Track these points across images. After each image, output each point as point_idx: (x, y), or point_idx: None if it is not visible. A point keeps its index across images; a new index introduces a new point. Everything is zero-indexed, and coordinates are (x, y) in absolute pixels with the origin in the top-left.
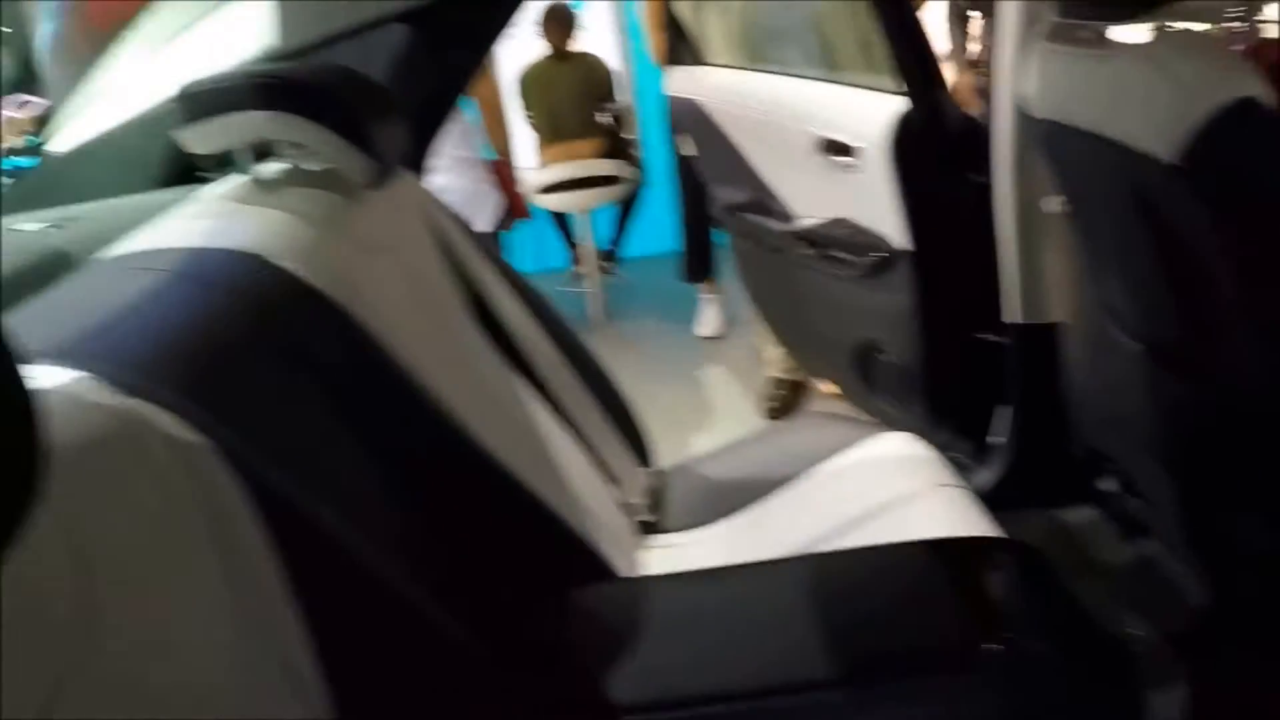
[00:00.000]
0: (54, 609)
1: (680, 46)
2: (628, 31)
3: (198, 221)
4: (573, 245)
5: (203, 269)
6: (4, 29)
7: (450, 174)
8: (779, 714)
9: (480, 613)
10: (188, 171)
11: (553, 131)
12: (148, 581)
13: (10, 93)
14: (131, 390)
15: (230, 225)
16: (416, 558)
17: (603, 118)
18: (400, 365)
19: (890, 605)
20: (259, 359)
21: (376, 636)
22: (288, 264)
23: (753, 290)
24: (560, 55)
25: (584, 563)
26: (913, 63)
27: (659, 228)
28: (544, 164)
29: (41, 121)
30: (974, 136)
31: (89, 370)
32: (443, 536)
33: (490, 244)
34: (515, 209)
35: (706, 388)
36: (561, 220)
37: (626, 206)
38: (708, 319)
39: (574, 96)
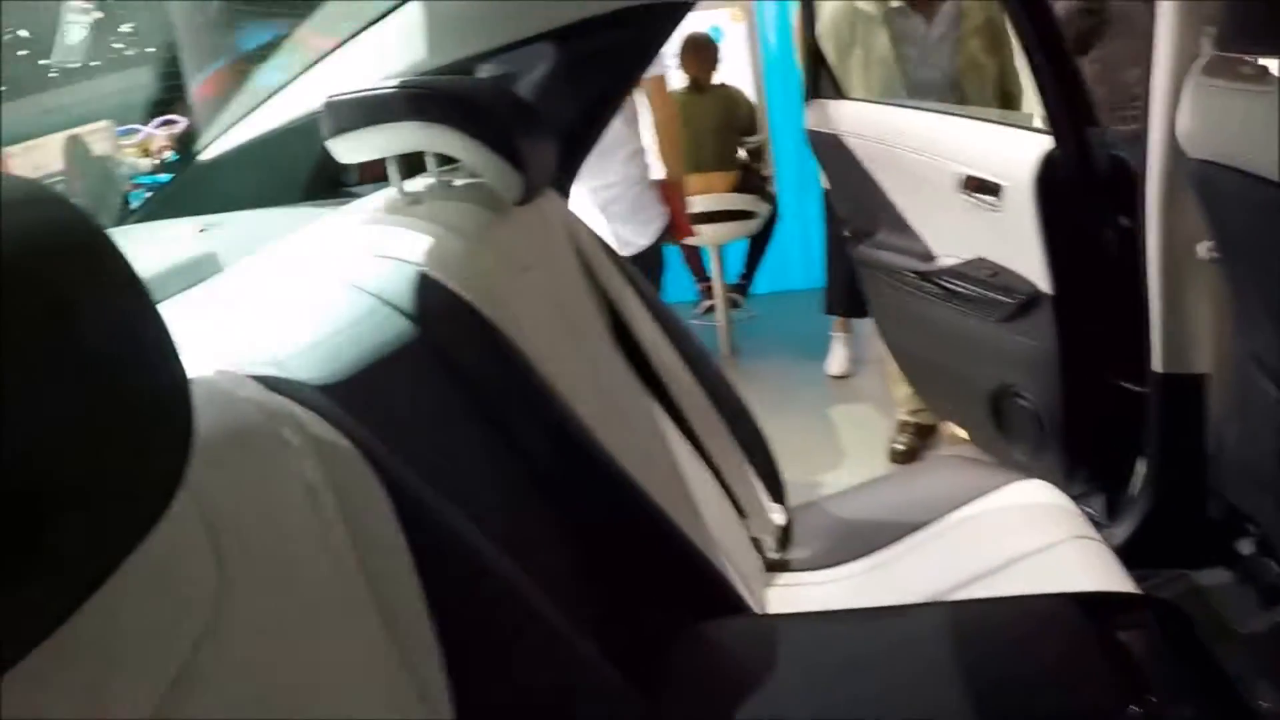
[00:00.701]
0: (188, 585)
1: (822, 80)
2: (763, 63)
3: (350, 231)
4: (703, 278)
5: (356, 277)
6: (149, 49)
7: (618, 188)
8: None
9: (618, 640)
10: (330, 183)
11: (689, 163)
12: (277, 576)
13: (156, 113)
14: (280, 389)
15: (383, 236)
16: (556, 580)
17: (740, 151)
18: (546, 385)
19: (1031, 660)
20: (410, 369)
21: (511, 655)
22: (440, 276)
23: (885, 327)
24: (699, 87)
25: (718, 596)
26: (1061, 100)
27: (788, 264)
28: None
29: (184, 140)
30: (1123, 177)
31: (238, 365)
32: (584, 560)
33: (650, 259)
34: (679, 229)
35: (833, 426)
36: (692, 253)
37: (758, 241)
38: (836, 358)
39: (714, 129)
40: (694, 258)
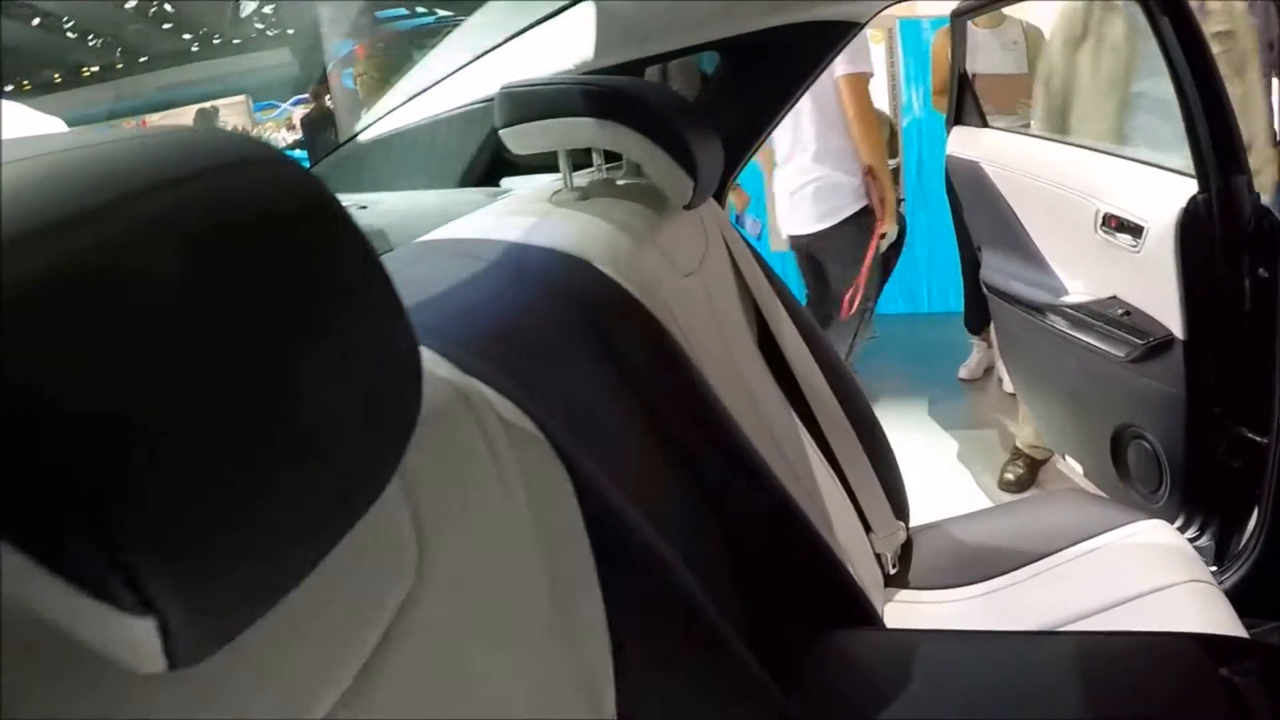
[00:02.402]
0: (394, 554)
1: (967, 107)
2: (901, 86)
3: (516, 218)
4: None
5: (525, 263)
6: (289, 30)
7: (821, 165)
8: None
9: (763, 645)
10: (487, 173)
11: None
12: (471, 549)
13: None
14: (469, 369)
15: (551, 226)
16: (717, 582)
17: None
18: (707, 387)
19: (1149, 695)
20: (579, 357)
21: (676, 654)
22: (608, 270)
23: (1009, 357)
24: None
25: (852, 607)
26: (1210, 143)
27: (914, 287)
28: None
29: (317, 119)
30: (1267, 227)
31: (426, 345)
32: (738, 563)
33: (844, 235)
34: (883, 214)
35: (950, 448)
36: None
37: (886, 262)
38: (971, 363)
39: None
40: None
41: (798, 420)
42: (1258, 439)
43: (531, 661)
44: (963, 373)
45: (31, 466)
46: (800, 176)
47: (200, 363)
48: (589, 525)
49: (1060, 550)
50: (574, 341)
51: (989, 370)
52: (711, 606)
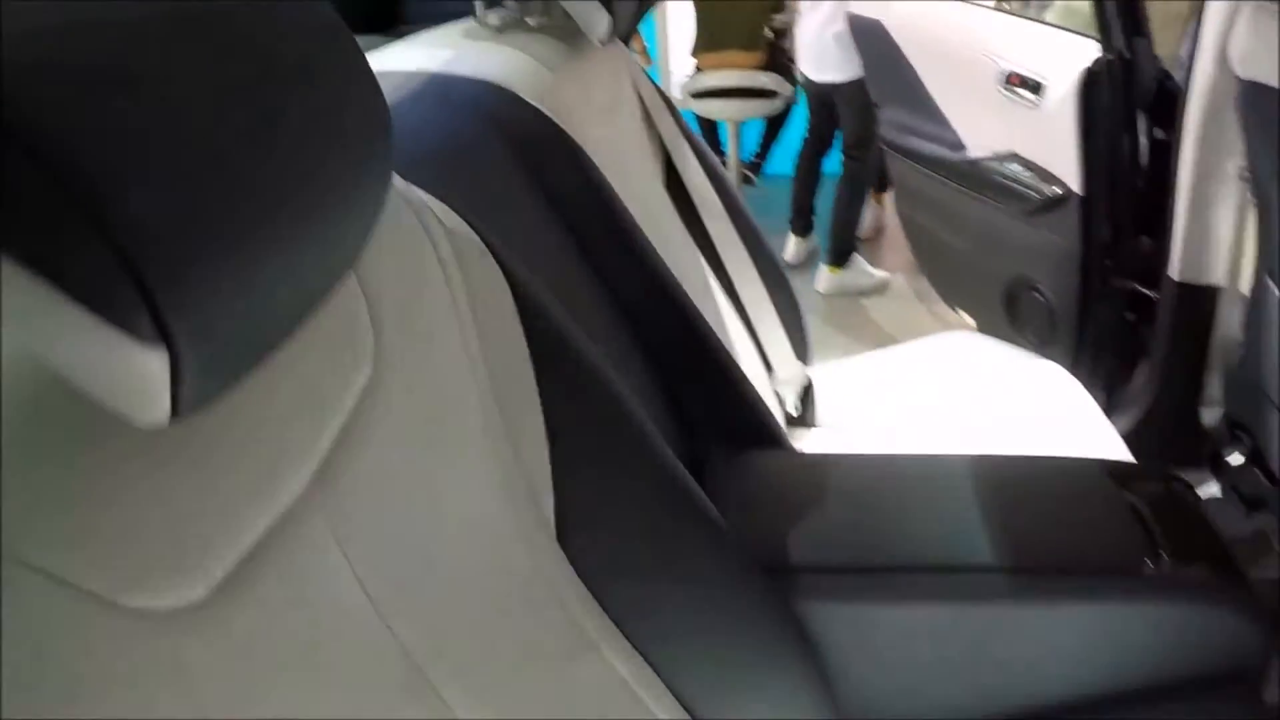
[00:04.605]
0: (355, 345)
1: None
2: None
3: (434, 50)
4: (718, 153)
5: (450, 92)
6: None
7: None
8: (947, 588)
9: (686, 461)
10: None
11: (715, 38)
12: (421, 347)
13: None
14: (410, 181)
15: (473, 57)
16: (637, 394)
17: (768, 30)
18: (625, 211)
19: (1058, 511)
20: (511, 184)
21: (610, 453)
22: (532, 99)
23: (905, 214)
24: None
25: (766, 431)
26: (1114, 6)
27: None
28: (701, 69)
29: None
30: (1165, 90)
31: None
32: (659, 382)
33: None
34: None
35: (843, 304)
36: (710, 127)
37: (775, 122)
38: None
39: (744, 5)
40: (711, 132)
41: (704, 261)
42: (1149, 293)
43: (480, 462)
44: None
45: (27, 158)
46: (826, 23)
47: (188, 72)
48: (526, 331)
49: (959, 386)
50: (504, 168)
51: (880, 230)
52: (640, 411)
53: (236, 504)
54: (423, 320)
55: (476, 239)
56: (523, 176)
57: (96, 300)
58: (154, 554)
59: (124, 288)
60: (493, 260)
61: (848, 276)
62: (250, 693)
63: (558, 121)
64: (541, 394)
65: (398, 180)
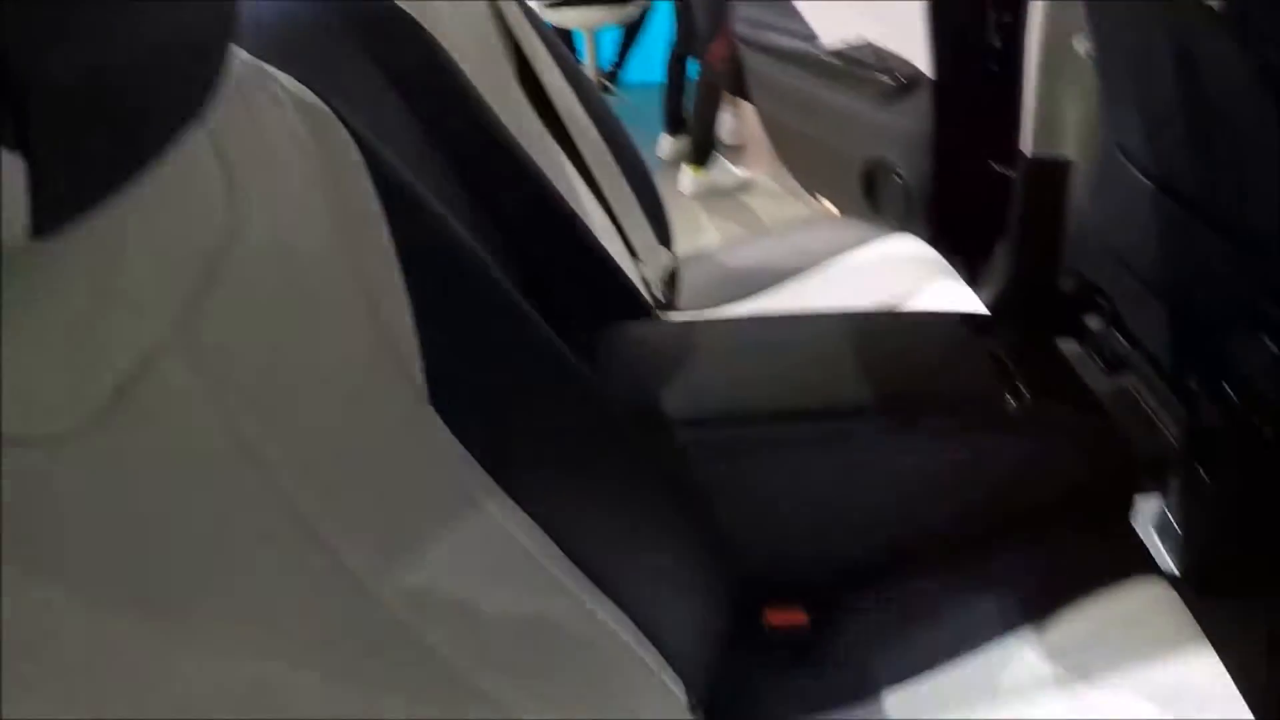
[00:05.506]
0: (203, 204)
1: None
2: None
3: None
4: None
5: None
6: None
7: None
8: (820, 433)
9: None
10: None
11: None
12: (277, 213)
13: None
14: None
15: None
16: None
17: None
18: (478, 96)
19: (924, 356)
20: (352, 58)
21: (478, 321)
22: None
23: (761, 107)
24: None
25: (635, 305)
26: None
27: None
28: None
29: None
30: None
31: None
32: (523, 269)
33: None
34: None
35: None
36: (565, 36)
37: (631, 30)
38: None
39: None
40: (567, 41)
41: (560, 150)
42: (1004, 171)
43: (343, 320)
44: (726, 139)
45: None
46: None
47: None
48: (380, 198)
49: (820, 264)
50: (353, 53)
51: (744, 144)
52: (503, 276)
53: (97, 345)
54: (276, 181)
55: (327, 110)
56: (367, 58)
57: None
58: (15, 388)
59: None
60: (340, 125)
61: (710, 176)
62: (117, 522)
63: (405, 6)
64: (400, 256)
65: (241, 52)
